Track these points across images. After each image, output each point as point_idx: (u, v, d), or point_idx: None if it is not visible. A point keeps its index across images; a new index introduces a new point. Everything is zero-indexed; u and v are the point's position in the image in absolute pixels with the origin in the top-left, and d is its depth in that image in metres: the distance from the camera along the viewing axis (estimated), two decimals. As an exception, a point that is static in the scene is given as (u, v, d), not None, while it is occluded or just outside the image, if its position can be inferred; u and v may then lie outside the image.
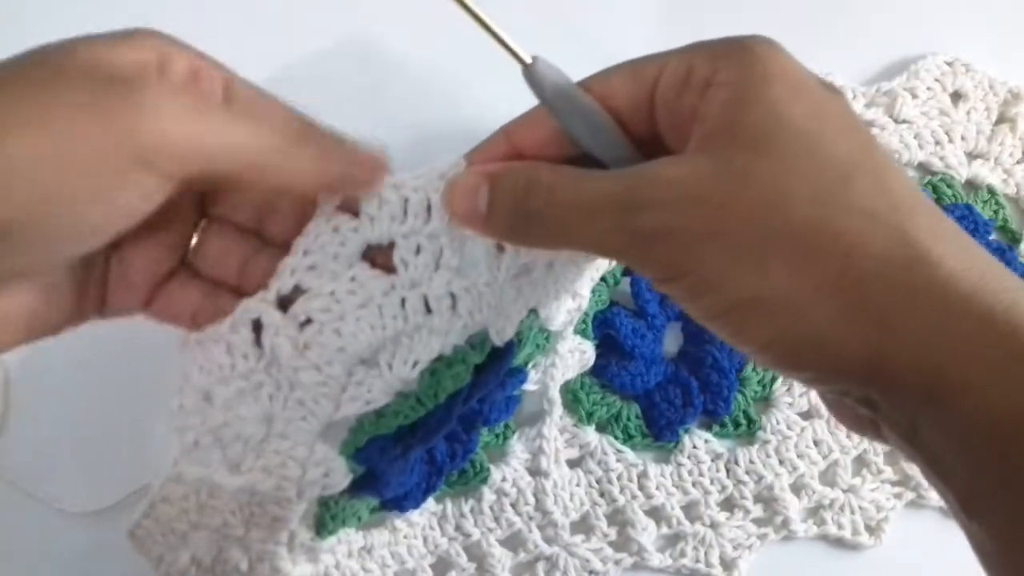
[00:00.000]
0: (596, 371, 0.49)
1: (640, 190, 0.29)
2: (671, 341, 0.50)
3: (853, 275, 0.27)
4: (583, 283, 0.40)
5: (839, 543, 0.50)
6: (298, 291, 0.35)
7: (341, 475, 0.37)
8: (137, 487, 0.46)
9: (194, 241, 0.36)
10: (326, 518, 0.40)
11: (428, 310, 0.35)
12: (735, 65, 0.29)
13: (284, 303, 0.35)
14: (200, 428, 0.35)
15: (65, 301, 0.33)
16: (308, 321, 0.34)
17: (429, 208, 0.34)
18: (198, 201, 0.36)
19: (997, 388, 0.26)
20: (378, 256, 0.35)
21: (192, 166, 0.29)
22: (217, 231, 0.36)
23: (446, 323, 0.35)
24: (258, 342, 0.35)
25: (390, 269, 0.35)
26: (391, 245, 0.34)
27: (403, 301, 0.34)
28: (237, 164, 0.30)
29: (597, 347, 0.48)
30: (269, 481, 0.36)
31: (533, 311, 0.38)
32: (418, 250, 0.34)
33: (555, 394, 0.47)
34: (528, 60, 0.32)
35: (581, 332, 0.47)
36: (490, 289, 0.35)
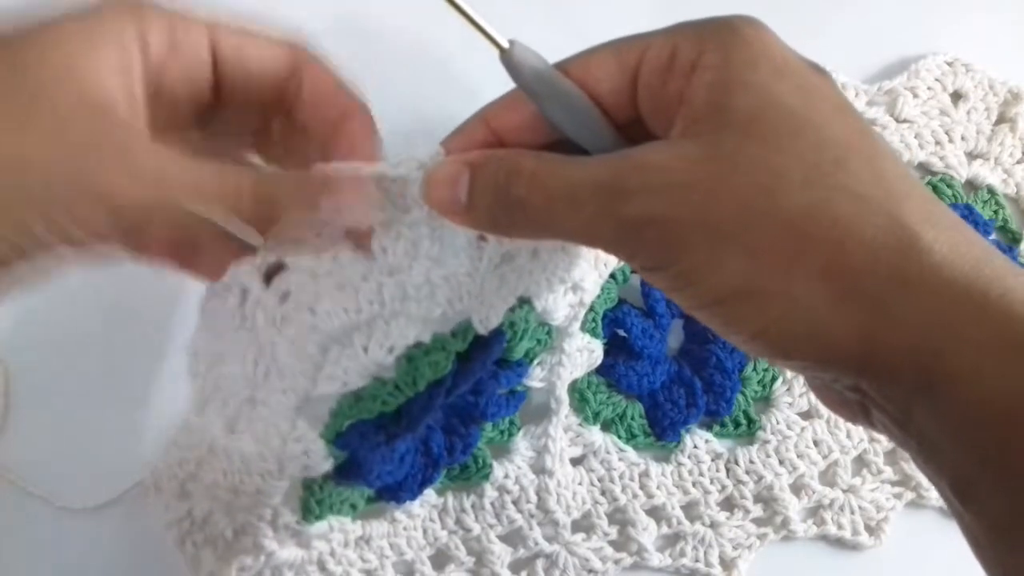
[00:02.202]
0: (603, 370, 0.49)
1: (626, 176, 0.28)
2: (672, 337, 0.50)
3: (845, 262, 0.27)
4: (583, 275, 0.40)
5: (839, 543, 0.50)
6: (281, 266, 0.34)
7: (320, 457, 0.37)
8: (137, 482, 0.46)
9: None
10: (311, 502, 0.39)
11: (406, 297, 0.34)
12: (721, 47, 0.28)
13: (270, 272, 0.34)
14: (206, 376, 0.35)
15: None
16: (286, 296, 0.34)
17: (408, 197, 0.33)
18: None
19: (992, 374, 0.26)
20: (361, 236, 0.34)
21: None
22: None
23: (424, 311, 0.34)
24: (244, 306, 0.34)
25: (364, 247, 0.34)
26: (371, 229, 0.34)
27: (380, 287, 0.34)
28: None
29: (605, 346, 0.48)
30: (254, 448, 0.36)
31: (528, 303, 0.38)
32: (397, 237, 0.33)
33: (563, 393, 0.47)
34: (505, 45, 0.31)
35: (591, 331, 0.47)
36: (471, 279, 0.34)
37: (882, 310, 0.27)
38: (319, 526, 0.42)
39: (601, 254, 0.42)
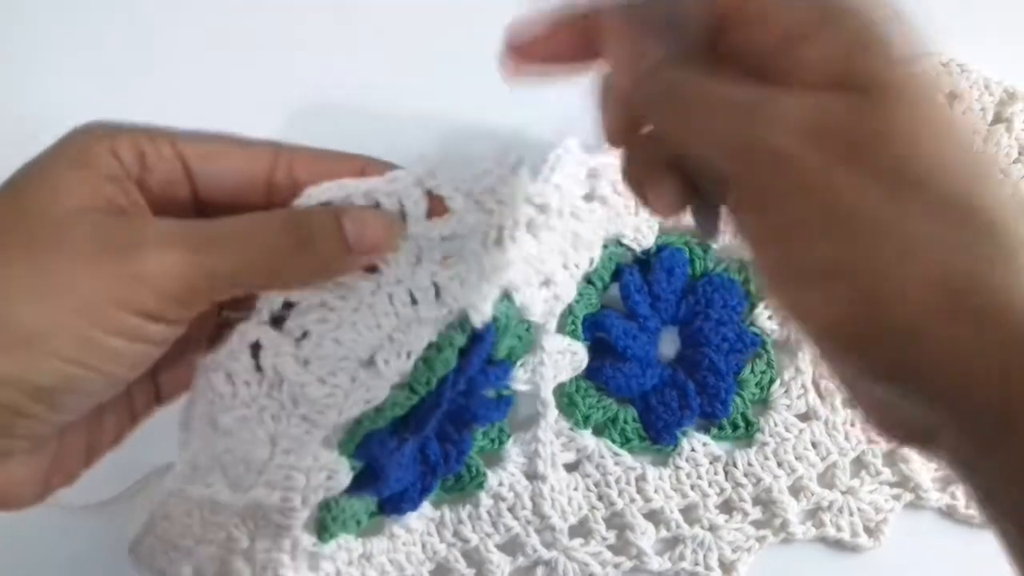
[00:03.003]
0: (590, 374, 0.49)
1: (767, 104, 0.25)
2: (668, 345, 0.50)
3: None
4: (553, 270, 0.40)
5: (838, 545, 0.50)
6: (288, 307, 0.34)
7: (344, 474, 0.37)
8: (136, 479, 0.46)
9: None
10: (327, 520, 0.39)
11: (414, 302, 0.35)
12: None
13: (277, 321, 0.35)
14: (200, 452, 0.35)
15: (115, 415, 0.34)
16: (305, 335, 0.34)
17: (403, 214, 0.34)
18: None
19: None
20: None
21: (201, 308, 0.30)
22: None
23: (432, 311, 0.35)
24: (258, 366, 0.34)
25: (371, 268, 0.34)
26: None
27: (390, 297, 0.34)
28: (241, 290, 0.31)
29: (590, 350, 0.48)
30: (274, 495, 0.36)
31: (508, 298, 0.38)
32: (396, 250, 0.34)
33: (547, 395, 0.47)
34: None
35: (571, 334, 0.47)
36: (471, 274, 0.35)
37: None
38: (331, 545, 0.42)
39: (570, 255, 0.42)
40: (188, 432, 0.35)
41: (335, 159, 0.34)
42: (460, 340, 0.37)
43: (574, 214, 0.42)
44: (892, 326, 0.25)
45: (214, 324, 0.36)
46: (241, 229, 0.31)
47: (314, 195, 0.33)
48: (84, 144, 0.31)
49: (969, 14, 0.54)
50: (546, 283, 0.41)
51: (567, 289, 0.43)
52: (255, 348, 0.34)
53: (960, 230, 0.24)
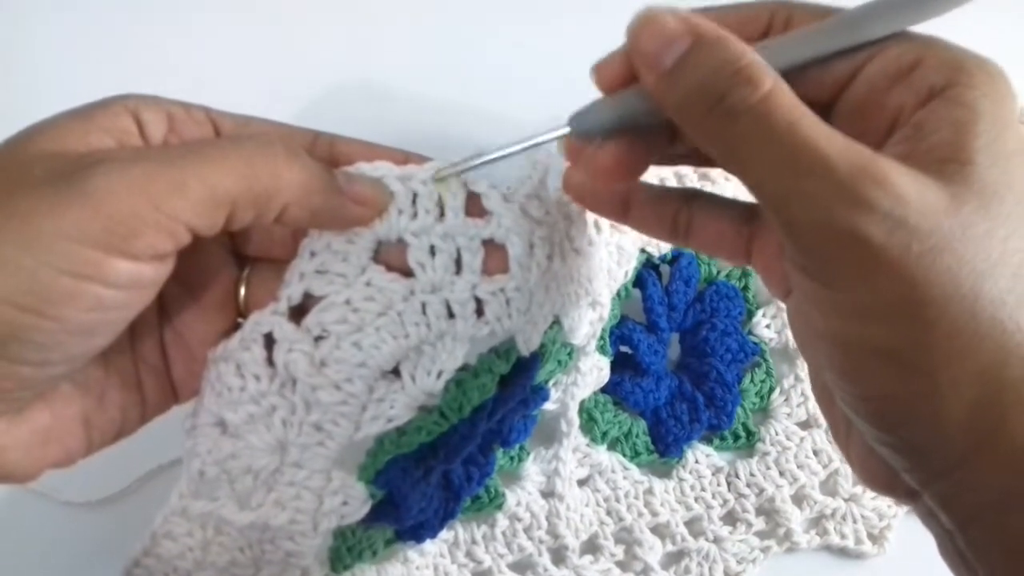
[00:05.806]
0: (609, 388, 0.47)
1: (865, 181, 0.24)
2: (669, 350, 0.50)
3: (1004, 372, 0.25)
4: (600, 289, 0.38)
5: (842, 553, 0.49)
6: (310, 299, 0.32)
7: (360, 502, 0.35)
8: (139, 476, 0.46)
9: (242, 292, 0.34)
10: (343, 551, 0.37)
11: (451, 315, 0.32)
12: (978, 85, 0.26)
13: (296, 313, 0.32)
14: (207, 458, 0.33)
15: (121, 399, 0.32)
16: (324, 335, 0.32)
17: (441, 204, 0.31)
18: (232, 249, 0.34)
19: None
20: (391, 258, 0.32)
21: (168, 238, 0.27)
22: (262, 274, 0.34)
23: (471, 329, 0.32)
24: (270, 360, 0.32)
25: (406, 272, 0.32)
26: (402, 243, 0.32)
27: (424, 306, 0.32)
28: (223, 211, 0.28)
29: (611, 363, 0.46)
30: (282, 515, 0.34)
31: (557, 322, 0.36)
32: (433, 251, 0.32)
33: (574, 414, 0.46)
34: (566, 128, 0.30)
35: (600, 349, 0.45)
36: (519, 293, 0.32)
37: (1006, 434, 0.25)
38: None
39: (614, 271, 0.40)
40: (194, 438, 0.33)
41: (376, 148, 0.33)
42: (502, 367, 0.34)
43: (614, 224, 0.39)
44: (934, 415, 0.25)
45: (234, 287, 0.34)
46: (216, 144, 0.29)
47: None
48: (103, 103, 0.29)
49: (967, 14, 0.54)
50: (593, 304, 0.39)
51: (608, 307, 0.41)
52: (269, 340, 0.32)
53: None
